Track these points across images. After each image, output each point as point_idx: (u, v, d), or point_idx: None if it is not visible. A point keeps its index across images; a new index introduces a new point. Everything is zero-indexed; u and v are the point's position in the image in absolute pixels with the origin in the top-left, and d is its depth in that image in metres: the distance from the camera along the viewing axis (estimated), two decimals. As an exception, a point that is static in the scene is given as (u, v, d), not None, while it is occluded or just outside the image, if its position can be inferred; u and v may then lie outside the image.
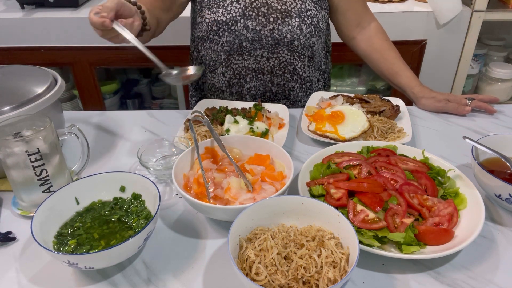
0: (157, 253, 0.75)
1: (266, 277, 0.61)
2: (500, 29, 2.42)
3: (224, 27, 1.21)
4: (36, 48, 1.97)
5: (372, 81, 2.41)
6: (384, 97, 1.23)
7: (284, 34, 1.22)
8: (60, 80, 0.99)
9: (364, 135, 1.06)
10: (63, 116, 1.06)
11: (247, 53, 1.25)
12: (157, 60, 0.95)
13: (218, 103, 1.21)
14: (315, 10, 1.25)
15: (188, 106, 2.15)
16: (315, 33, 1.26)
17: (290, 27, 1.22)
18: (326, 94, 1.26)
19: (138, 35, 0.99)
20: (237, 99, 1.34)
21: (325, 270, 0.62)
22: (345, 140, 1.04)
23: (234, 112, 1.13)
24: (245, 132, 1.04)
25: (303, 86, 1.35)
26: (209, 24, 1.22)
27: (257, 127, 1.05)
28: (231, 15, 1.20)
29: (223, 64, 1.29)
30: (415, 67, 2.11)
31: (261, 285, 0.59)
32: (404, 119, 1.15)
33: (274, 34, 1.22)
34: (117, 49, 1.97)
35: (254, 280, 0.62)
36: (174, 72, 0.98)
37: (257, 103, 1.16)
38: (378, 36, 1.32)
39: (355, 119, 1.09)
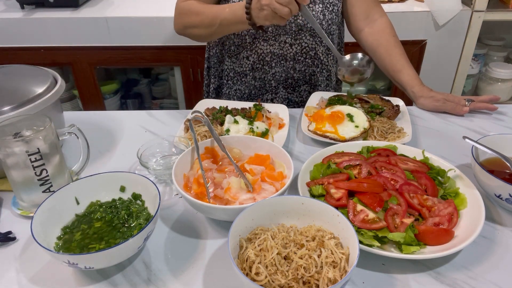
0: (157, 253, 0.75)
1: (266, 277, 0.61)
2: (500, 29, 2.42)
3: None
4: (36, 48, 1.97)
5: (372, 81, 2.41)
6: (384, 97, 1.23)
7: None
8: (60, 80, 0.99)
9: (364, 135, 1.06)
10: (63, 116, 1.06)
11: (272, 39, 1.27)
12: (333, 46, 1.11)
13: (218, 103, 1.21)
14: None
15: (189, 106, 2.15)
16: (335, 21, 1.30)
17: (313, 13, 1.25)
18: (326, 94, 1.26)
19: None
20: (261, 85, 1.35)
21: (325, 270, 0.62)
22: (345, 140, 1.04)
23: (234, 112, 1.13)
24: (245, 132, 1.04)
25: (324, 71, 1.38)
26: None
27: (257, 127, 1.05)
28: None
29: (248, 48, 1.30)
30: (415, 67, 2.09)
31: (261, 285, 0.59)
32: (404, 119, 1.15)
33: (298, 20, 1.25)
34: (117, 49, 1.97)
35: (254, 280, 0.62)
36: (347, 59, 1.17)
37: (257, 103, 1.16)
38: (386, 31, 1.33)
39: (355, 119, 1.09)
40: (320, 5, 1.26)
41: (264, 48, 1.29)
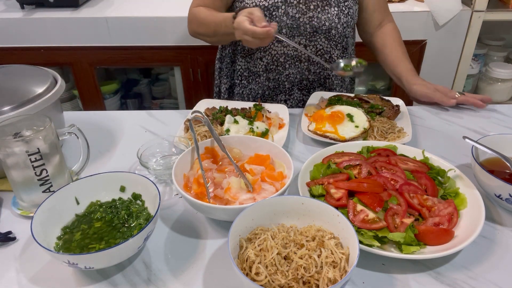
0: (157, 253, 0.75)
1: (266, 277, 0.61)
2: (500, 29, 2.42)
3: (266, 12, 1.23)
4: (36, 48, 1.97)
5: (372, 81, 2.41)
6: (384, 97, 1.23)
7: (323, 22, 1.26)
8: (60, 80, 0.99)
9: (364, 135, 1.06)
10: (63, 116, 1.06)
11: None
12: (320, 59, 1.15)
13: (218, 103, 1.21)
14: (351, 2, 1.30)
15: (189, 106, 2.15)
16: (350, 24, 1.32)
17: (329, 15, 1.26)
18: (326, 94, 1.26)
19: None
20: (274, 86, 1.36)
21: (325, 270, 0.62)
22: (345, 140, 1.04)
23: (234, 112, 1.13)
24: (245, 132, 1.04)
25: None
26: None
27: (257, 127, 1.05)
28: (273, 0, 1.23)
29: (262, 49, 1.31)
30: (415, 67, 2.09)
31: (261, 285, 0.59)
32: (404, 119, 1.15)
33: (313, 22, 1.26)
34: (117, 49, 1.97)
35: (254, 280, 0.62)
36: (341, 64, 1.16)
37: (257, 103, 1.16)
38: (393, 33, 1.38)
39: (355, 119, 1.09)
40: (336, 9, 1.26)
41: (278, 49, 1.30)
